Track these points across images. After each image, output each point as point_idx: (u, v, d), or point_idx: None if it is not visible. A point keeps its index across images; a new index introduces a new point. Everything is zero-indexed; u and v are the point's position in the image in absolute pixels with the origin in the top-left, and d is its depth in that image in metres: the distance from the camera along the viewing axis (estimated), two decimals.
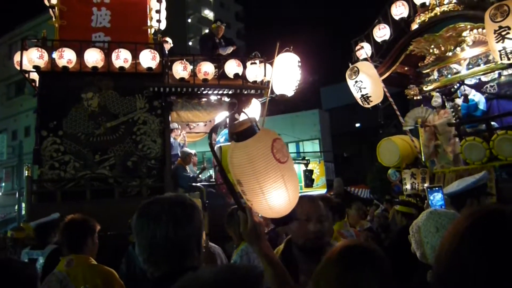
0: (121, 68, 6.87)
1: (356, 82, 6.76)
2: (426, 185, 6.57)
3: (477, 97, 6.69)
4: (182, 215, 1.39)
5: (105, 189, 6.69)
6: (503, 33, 5.12)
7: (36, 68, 6.68)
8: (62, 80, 6.88)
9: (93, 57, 6.78)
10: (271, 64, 7.09)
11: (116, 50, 6.84)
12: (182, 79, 7.05)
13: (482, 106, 6.66)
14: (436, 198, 2.69)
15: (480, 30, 6.07)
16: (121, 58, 6.83)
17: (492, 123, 6.19)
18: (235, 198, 1.63)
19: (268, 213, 1.71)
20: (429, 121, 6.53)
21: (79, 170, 6.74)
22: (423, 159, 6.93)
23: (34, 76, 7.14)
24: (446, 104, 6.89)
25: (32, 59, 6.61)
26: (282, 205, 1.71)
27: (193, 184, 7.05)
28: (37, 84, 7.19)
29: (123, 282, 2.92)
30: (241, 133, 1.62)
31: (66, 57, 6.70)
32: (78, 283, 2.59)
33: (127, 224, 4.73)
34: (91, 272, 2.67)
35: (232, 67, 7.24)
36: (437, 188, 2.73)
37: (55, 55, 6.77)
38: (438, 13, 6.50)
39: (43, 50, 6.69)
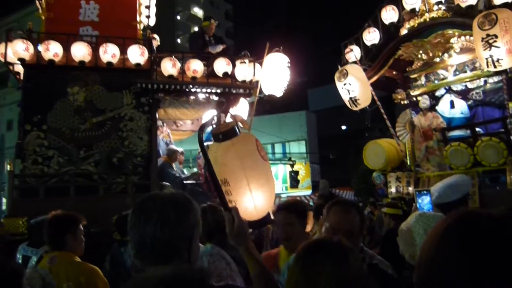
0: (109, 63, 6.77)
1: (344, 84, 6.80)
2: (411, 188, 6.65)
3: (460, 104, 6.81)
4: (174, 215, 1.37)
5: (89, 185, 6.58)
6: (490, 41, 5.20)
7: (21, 60, 6.53)
8: (47, 73, 6.75)
9: (80, 51, 6.67)
10: (261, 64, 7.08)
11: (104, 45, 6.74)
12: (170, 76, 6.98)
13: (464, 112, 6.78)
14: (425, 201, 2.71)
15: (467, 37, 6.16)
16: (109, 53, 6.73)
17: (477, 129, 6.28)
18: (221, 197, 1.61)
19: (252, 213, 1.72)
20: (415, 121, 6.60)
21: (63, 166, 6.62)
22: (408, 163, 7.00)
23: (19, 68, 6.99)
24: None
25: (17, 51, 6.46)
26: (266, 204, 1.75)
27: (178, 182, 7.01)
28: (21, 77, 7.04)
29: (107, 280, 2.88)
30: (227, 132, 1.66)
31: (52, 50, 6.57)
32: (61, 280, 2.55)
33: (111, 221, 4.68)
34: (74, 270, 2.62)
35: (221, 66, 7.20)
36: (425, 192, 2.76)
37: (41, 48, 6.64)
38: (427, 19, 6.57)
39: (29, 43, 6.56)
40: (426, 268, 0.86)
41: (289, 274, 1.32)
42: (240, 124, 1.74)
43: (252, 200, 1.69)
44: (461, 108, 6.88)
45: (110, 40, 6.79)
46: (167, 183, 6.91)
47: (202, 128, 1.67)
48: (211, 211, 2.78)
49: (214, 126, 1.66)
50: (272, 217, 1.93)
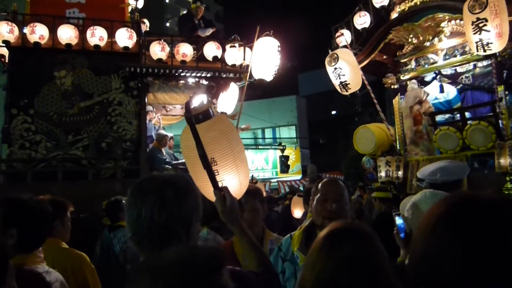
0: (96, 46, 6.66)
1: (335, 69, 6.77)
2: (400, 172, 6.70)
3: (450, 89, 6.85)
4: (172, 197, 1.33)
5: (78, 170, 6.54)
6: (480, 24, 5.19)
7: (6, 43, 6.39)
8: (33, 56, 6.63)
9: (67, 34, 6.54)
10: (251, 48, 7.02)
11: (92, 28, 6.62)
12: (159, 60, 6.90)
13: (452, 97, 6.83)
14: (399, 222, 2.79)
15: (458, 21, 6.14)
16: (97, 36, 6.61)
17: (466, 113, 6.32)
18: (211, 176, 1.59)
19: (238, 189, 1.73)
20: (423, 105, 6.60)
21: (51, 151, 6.55)
22: (398, 147, 7.04)
23: (4, 51, 6.84)
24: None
25: (1, 33, 6.32)
26: (246, 180, 1.79)
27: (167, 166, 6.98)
28: (6, 60, 6.89)
29: (97, 265, 2.87)
30: (205, 113, 1.68)
31: (38, 32, 6.43)
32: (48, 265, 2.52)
33: (100, 206, 4.66)
34: (61, 256, 2.59)
35: (211, 50, 7.13)
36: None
37: (26, 30, 6.49)
38: (418, 3, 6.53)
39: (14, 24, 6.41)
40: (422, 250, 0.85)
41: (313, 258, 1.30)
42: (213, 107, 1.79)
43: (238, 177, 1.70)
44: (449, 92, 6.91)
45: (97, 23, 6.66)
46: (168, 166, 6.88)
47: (188, 108, 1.65)
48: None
49: (188, 111, 1.65)
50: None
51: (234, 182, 1.70)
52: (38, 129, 6.55)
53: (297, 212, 5.77)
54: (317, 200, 2.25)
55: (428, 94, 6.77)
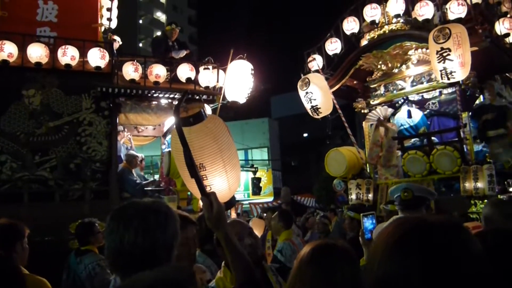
0: (68, 65, 6.56)
1: (307, 93, 6.90)
2: (370, 195, 6.81)
3: (417, 114, 7.09)
4: (155, 222, 1.33)
5: (45, 192, 6.32)
6: (444, 54, 5.43)
7: None
8: (1, 74, 6.44)
9: (37, 52, 6.42)
10: (224, 70, 7.08)
11: (63, 47, 6.53)
12: (132, 80, 6.85)
13: (417, 121, 7.07)
14: (367, 224, 2.94)
15: (424, 50, 6.40)
16: (68, 55, 6.52)
17: (433, 138, 6.53)
18: (199, 183, 1.58)
19: (226, 194, 1.73)
20: (384, 124, 6.76)
21: (17, 171, 6.32)
22: (368, 170, 7.18)
23: None
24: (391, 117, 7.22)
25: None
26: (237, 184, 1.80)
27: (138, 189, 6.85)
28: None
29: None
30: (197, 115, 1.65)
31: (6, 50, 6.29)
32: None
33: (67, 229, 4.51)
34: None
35: (184, 71, 7.14)
36: (370, 215, 2.99)
37: None
38: (387, 31, 6.80)
39: None
40: (376, 278, 0.86)
41: (301, 271, 1.37)
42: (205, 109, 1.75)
43: (227, 181, 1.71)
44: (414, 117, 7.16)
45: (69, 42, 6.58)
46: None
47: (177, 112, 1.63)
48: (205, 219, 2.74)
49: (178, 113, 1.62)
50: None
51: (223, 186, 1.70)
52: (4, 149, 6.33)
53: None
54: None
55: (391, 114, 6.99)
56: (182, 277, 0.87)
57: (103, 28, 7.63)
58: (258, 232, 5.56)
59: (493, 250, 1.01)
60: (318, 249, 1.39)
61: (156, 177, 8.43)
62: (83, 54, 6.66)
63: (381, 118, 6.85)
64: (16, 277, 1.60)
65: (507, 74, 6.99)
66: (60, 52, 6.52)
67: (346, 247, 1.45)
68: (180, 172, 1.75)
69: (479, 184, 5.59)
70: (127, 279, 1.26)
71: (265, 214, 8.92)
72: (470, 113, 6.25)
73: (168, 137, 7.84)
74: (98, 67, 6.69)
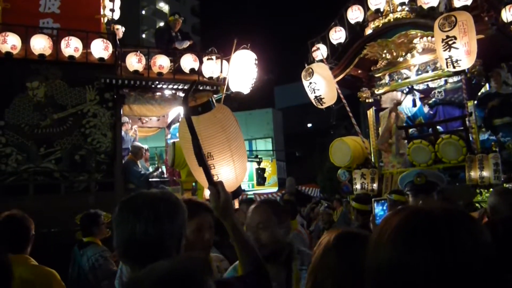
0: (71, 57, 6.56)
1: (310, 83, 6.86)
2: (375, 185, 6.80)
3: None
4: (164, 212, 1.34)
5: (50, 184, 6.37)
6: (450, 42, 5.36)
7: None
8: (5, 67, 6.46)
9: (40, 44, 6.42)
10: (228, 60, 7.04)
11: (66, 38, 6.52)
12: (136, 71, 6.84)
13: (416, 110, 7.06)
14: (378, 210, 2.93)
15: (429, 38, 6.32)
16: (72, 46, 6.51)
17: (438, 127, 6.48)
18: (207, 172, 1.57)
19: (233, 184, 1.73)
20: (396, 111, 6.72)
21: (22, 164, 6.37)
22: (373, 160, 7.15)
23: None
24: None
25: None
26: (243, 174, 1.79)
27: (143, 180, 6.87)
28: None
29: (69, 282, 2.78)
30: (205, 104, 1.64)
31: (10, 42, 6.29)
32: (15, 284, 2.41)
33: (73, 220, 4.53)
34: (30, 273, 2.50)
35: (188, 62, 7.12)
36: (382, 201, 2.99)
37: None
38: (391, 20, 6.71)
39: None
40: (373, 266, 0.86)
41: (324, 259, 1.35)
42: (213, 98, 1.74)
43: (234, 171, 1.70)
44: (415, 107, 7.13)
45: (72, 34, 6.57)
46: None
47: (186, 101, 1.62)
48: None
49: (190, 100, 1.62)
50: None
51: (230, 176, 1.69)
52: (9, 141, 6.36)
53: None
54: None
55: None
56: (197, 267, 0.86)
57: (106, 19, 7.62)
58: None
59: (503, 240, 1.00)
60: (341, 237, 1.38)
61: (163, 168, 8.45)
62: (86, 45, 6.65)
63: (396, 102, 6.80)
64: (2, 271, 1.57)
65: None
66: (63, 43, 6.52)
67: (368, 234, 1.44)
68: (187, 161, 1.74)
69: (485, 173, 5.56)
70: (140, 269, 1.27)
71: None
72: (475, 102, 6.20)
73: (173, 128, 7.84)
74: (101, 59, 6.68)
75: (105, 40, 6.73)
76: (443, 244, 0.79)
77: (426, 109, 7.20)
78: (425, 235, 0.81)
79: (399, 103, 6.86)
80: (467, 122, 5.94)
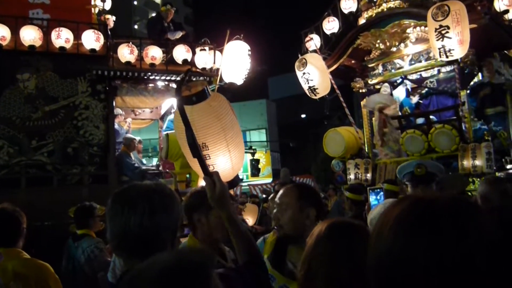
0: (62, 48, 6.48)
1: (304, 73, 6.84)
2: (369, 175, 6.82)
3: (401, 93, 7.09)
4: (159, 204, 1.32)
5: (42, 176, 6.33)
6: (443, 32, 5.35)
7: None
8: None
9: (30, 35, 6.33)
10: (221, 51, 6.98)
11: (57, 29, 6.43)
12: (128, 63, 6.78)
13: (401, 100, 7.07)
14: (382, 198, 2.94)
15: (422, 28, 6.31)
16: (62, 37, 6.43)
17: (431, 117, 6.50)
18: (201, 163, 1.56)
19: (230, 173, 1.72)
20: (388, 109, 6.72)
21: (14, 157, 6.31)
22: (366, 150, 7.17)
23: None
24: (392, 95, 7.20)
25: None
26: (241, 163, 1.78)
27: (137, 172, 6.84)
28: None
29: (63, 275, 2.77)
30: (200, 93, 1.60)
31: None
32: (7, 278, 2.41)
33: (66, 213, 4.51)
34: (23, 267, 2.49)
35: (181, 53, 7.06)
36: (378, 189, 3.01)
37: None
38: (385, 9, 6.69)
39: None
40: (375, 255, 0.85)
41: (317, 248, 1.35)
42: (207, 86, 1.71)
43: (231, 161, 1.69)
44: (398, 96, 7.14)
45: (63, 24, 6.49)
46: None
47: (179, 90, 1.59)
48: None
49: (180, 92, 1.59)
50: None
51: (227, 166, 1.68)
52: (0, 134, 6.30)
53: (249, 221, 5.65)
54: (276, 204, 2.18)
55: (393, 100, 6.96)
56: (203, 259, 0.84)
57: (97, 10, 7.52)
58: (252, 218, 5.55)
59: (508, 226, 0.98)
60: (333, 226, 1.38)
61: (155, 160, 8.42)
62: (77, 36, 6.57)
63: (380, 107, 6.81)
64: None
65: (505, 52, 6.92)
66: (54, 34, 6.44)
67: (361, 224, 1.45)
68: (183, 151, 1.72)
69: (477, 162, 5.59)
70: (134, 261, 1.25)
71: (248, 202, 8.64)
72: (468, 91, 6.21)
73: (167, 118, 7.79)
74: (93, 50, 6.61)
75: (96, 31, 6.66)
76: (446, 234, 0.77)
77: (415, 99, 7.23)
78: (427, 225, 0.79)
79: (382, 108, 6.86)
80: (460, 112, 5.96)
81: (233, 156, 1.69)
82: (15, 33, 6.31)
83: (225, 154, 1.66)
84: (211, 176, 1.55)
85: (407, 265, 0.78)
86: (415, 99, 7.24)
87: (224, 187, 1.55)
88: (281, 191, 2.17)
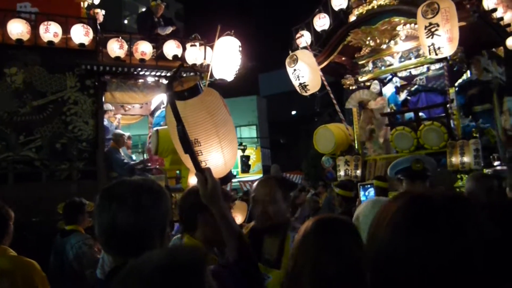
0: (50, 42, 6.40)
1: (294, 70, 6.84)
2: (359, 171, 6.86)
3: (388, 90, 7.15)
4: (148, 200, 1.30)
5: (30, 172, 6.25)
6: (433, 29, 5.39)
7: None
8: None
9: (18, 29, 6.24)
10: (211, 47, 6.95)
11: (45, 23, 6.35)
12: (117, 58, 6.72)
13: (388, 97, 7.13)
14: (370, 194, 2.94)
15: (412, 25, 6.35)
16: (51, 31, 6.35)
17: (420, 114, 6.55)
18: (193, 159, 1.55)
19: (222, 170, 1.70)
20: (369, 104, 6.77)
21: (1, 152, 6.23)
22: (356, 147, 7.21)
23: None
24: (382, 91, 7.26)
25: None
26: (233, 159, 1.76)
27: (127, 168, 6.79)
28: None
29: (49, 273, 2.74)
30: (192, 89, 1.58)
31: None
32: None
33: (55, 209, 4.46)
34: (9, 264, 2.46)
35: (171, 48, 7.02)
36: (369, 185, 3.02)
37: None
38: (375, 6, 6.71)
39: None
40: (374, 251, 0.84)
41: (304, 244, 1.37)
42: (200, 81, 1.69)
43: (223, 157, 1.67)
44: (386, 93, 7.20)
45: (51, 18, 6.40)
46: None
47: (170, 86, 1.58)
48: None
49: (176, 84, 1.57)
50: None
51: (219, 162, 1.67)
52: None
53: (238, 219, 5.61)
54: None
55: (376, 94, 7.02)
56: (198, 256, 0.83)
57: (86, 4, 7.44)
58: (241, 216, 5.51)
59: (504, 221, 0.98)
60: (321, 222, 1.40)
61: (145, 156, 8.37)
62: (66, 30, 6.50)
63: (362, 104, 6.86)
64: None
65: (493, 49, 7.00)
66: (42, 28, 6.35)
67: (348, 220, 1.47)
68: (176, 147, 1.71)
69: (466, 159, 5.66)
70: (123, 258, 1.24)
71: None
72: (456, 89, 6.27)
73: (157, 114, 7.76)
74: (82, 44, 6.54)
75: (85, 25, 6.58)
76: (443, 232, 0.77)
77: (403, 95, 7.29)
78: (424, 223, 0.78)
79: (365, 103, 6.91)
80: (448, 109, 6.02)
81: (226, 153, 1.68)
82: (2, 26, 6.22)
83: (218, 150, 1.65)
84: (203, 172, 1.55)
85: (404, 263, 0.77)
86: (403, 95, 7.30)
87: (216, 183, 1.54)
88: (259, 184, 2.23)
